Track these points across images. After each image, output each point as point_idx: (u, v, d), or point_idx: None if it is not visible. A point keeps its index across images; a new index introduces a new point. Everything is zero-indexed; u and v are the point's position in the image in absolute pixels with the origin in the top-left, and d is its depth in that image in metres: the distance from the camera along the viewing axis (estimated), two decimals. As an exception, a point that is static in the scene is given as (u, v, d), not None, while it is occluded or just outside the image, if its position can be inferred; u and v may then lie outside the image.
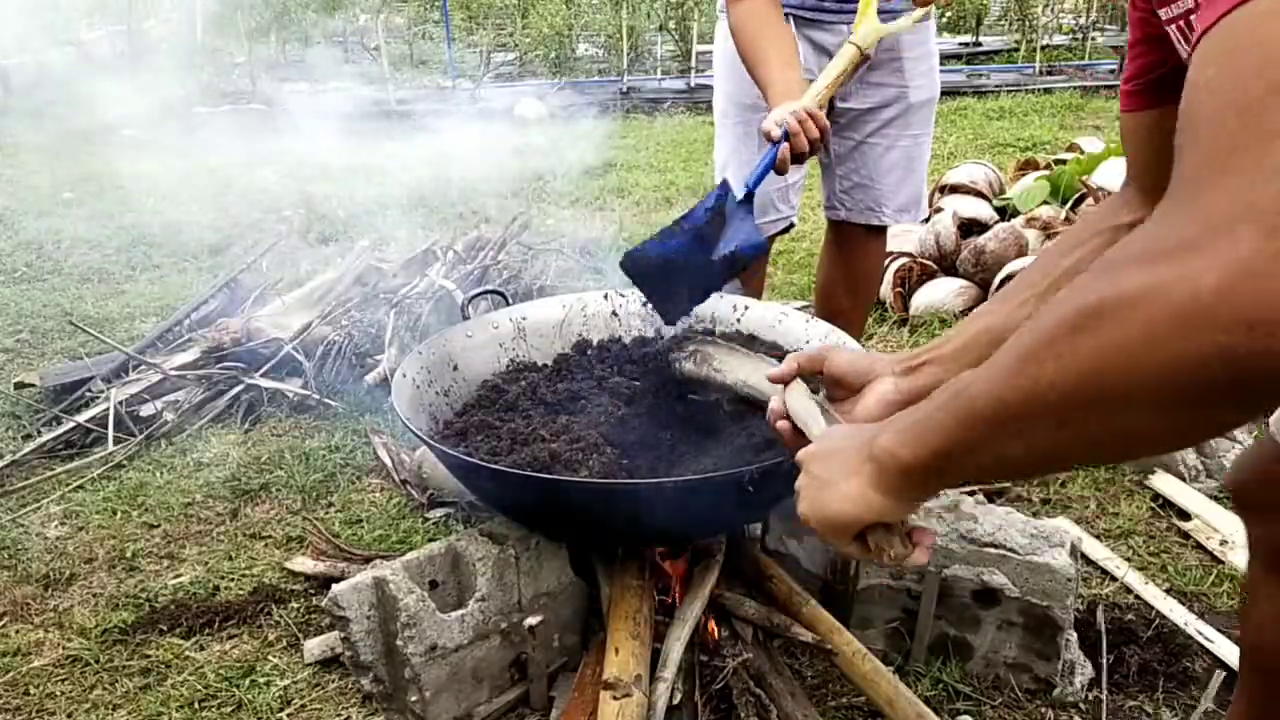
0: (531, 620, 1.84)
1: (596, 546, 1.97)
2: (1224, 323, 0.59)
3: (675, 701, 1.79)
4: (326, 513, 2.61)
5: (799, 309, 2.49)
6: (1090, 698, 1.83)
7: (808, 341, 2.18)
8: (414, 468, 2.65)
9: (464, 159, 6.87)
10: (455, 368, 2.23)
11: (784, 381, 1.41)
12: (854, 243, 2.79)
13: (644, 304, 2.22)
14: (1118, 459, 0.71)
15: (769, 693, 1.79)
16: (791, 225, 2.76)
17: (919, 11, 2.29)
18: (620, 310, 2.42)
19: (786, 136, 1.98)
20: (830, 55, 2.40)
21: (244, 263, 3.99)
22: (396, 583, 1.78)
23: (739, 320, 2.38)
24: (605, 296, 2.44)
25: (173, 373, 3.17)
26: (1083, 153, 4.28)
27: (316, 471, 2.77)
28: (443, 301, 3.43)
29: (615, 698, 1.69)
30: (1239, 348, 0.59)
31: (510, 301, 2.40)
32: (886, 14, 2.24)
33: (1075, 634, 1.92)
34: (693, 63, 9.75)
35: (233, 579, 2.36)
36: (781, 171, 2.03)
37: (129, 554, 2.44)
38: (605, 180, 5.92)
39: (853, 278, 2.87)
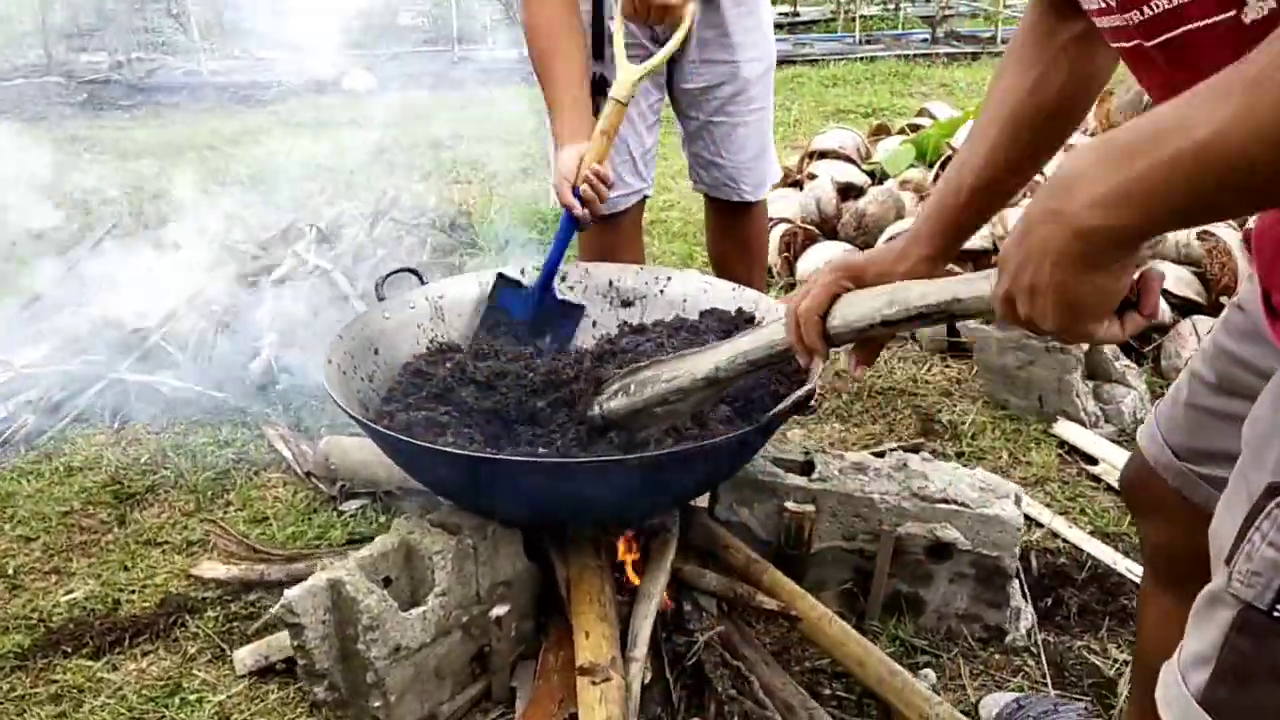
0: (498, 611, 1.77)
1: (556, 529, 1.92)
2: None
3: (645, 681, 1.77)
4: (226, 512, 2.44)
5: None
6: (1039, 641, 1.91)
7: (750, 308, 2.16)
8: (319, 459, 2.50)
9: (297, 133, 6.55)
10: (376, 351, 2.12)
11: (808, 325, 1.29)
12: (729, 211, 2.74)
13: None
14: None
15: (745, 664, 1.79)
16: (646, 197, 2.72)
17: (673, 42, 2.22)
18: (538, 286, 2.35)
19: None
20: (650, 26, 2.36)
21: (84, 248, 3.68)
22: (354, 583, 1.67)
23: (662, 292, 2.34)
24: (521, 272, 2.36)
25: (24, 369, 2.89)
26: (934, 117, 4.44)
27: (207, 469, 2.58)
28: (321, 282, 3.26)
29: (594, 683, 1.65)
30: None
31: (425, 280, 2.29)
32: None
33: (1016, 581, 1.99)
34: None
35: (133, 591, 2.17)
36: (583, 229, 2.18)
37: (9, 570, 2.21)
38: (456, 152, 5.75)
39: (740, 244, 2.82)
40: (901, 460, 2.00)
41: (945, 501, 1.90)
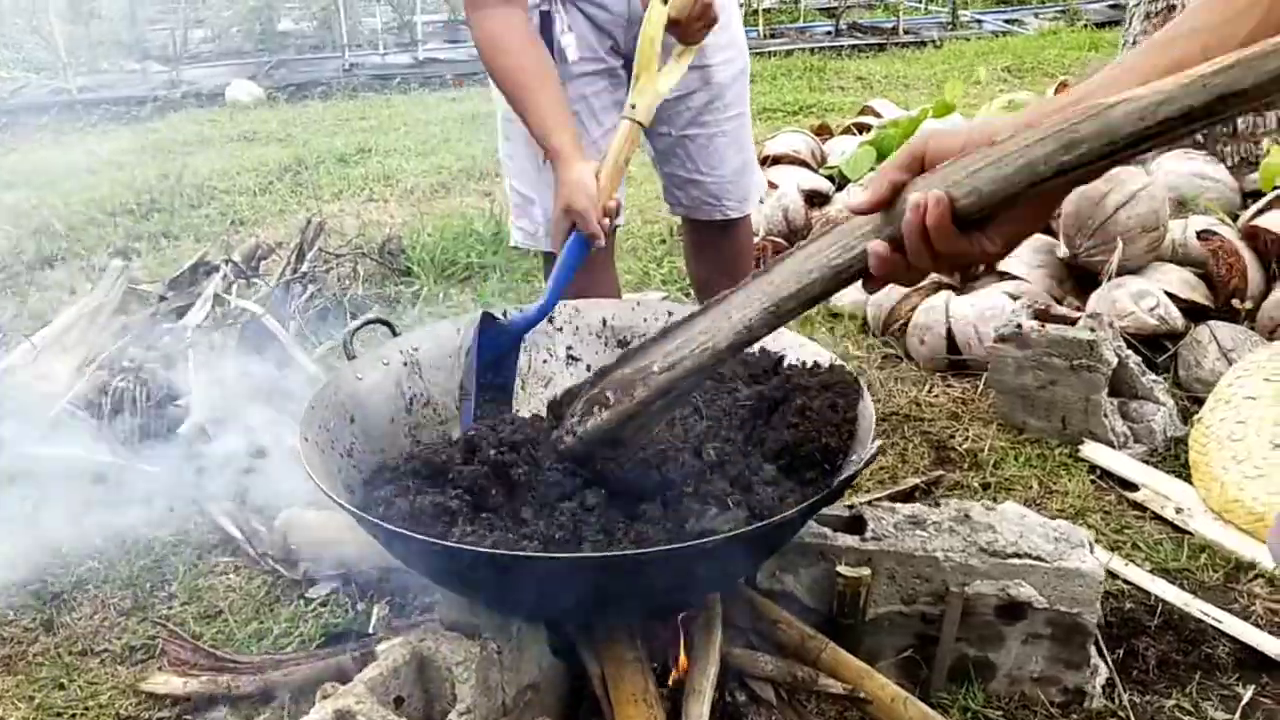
0: (538, 730, 1.51)
1: (595, 623, 1.67)
2: None
3: (704, 790, 1.54)
4: (171, 608, 2.12)
5: (660, 299, 2.27)
6: (1126, 703, 1.73)
7: (771, 345, 1.93)
8: (276, 538, 2.19)
9: (185, 151, 6.09)
10: (352, 419, 1.83)
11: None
12: (710, 231, 2.52)
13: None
14: None
15: (822, 764, 1.57)
16: (618, 226, 2.49)
17: (688, 54, 1.99)
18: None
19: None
20: (611, 36, 2.19)
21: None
22: (367, 713, 1.40)
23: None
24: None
25: (-92, 450, 2.49)
26: (879, 115, 4.28)
27: (142, 556, 2.25)
28: (247, 326, 2.92)
29: (660, 807, 1.41)
30: None
31: (396, 331, 2.01)
32: None
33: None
34: (417, 35, 9.20)
35: (74, 716, 1.84)
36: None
37: (-82, 705, 1.86)
38: (366, 168, 5.39)
39: (725, 265, 2.57)
40: (962, 511, 1.81)
41: (1018, 556, 1.71)
